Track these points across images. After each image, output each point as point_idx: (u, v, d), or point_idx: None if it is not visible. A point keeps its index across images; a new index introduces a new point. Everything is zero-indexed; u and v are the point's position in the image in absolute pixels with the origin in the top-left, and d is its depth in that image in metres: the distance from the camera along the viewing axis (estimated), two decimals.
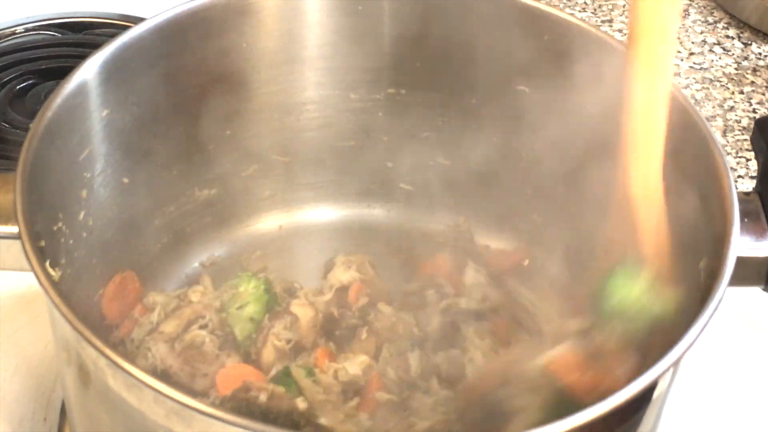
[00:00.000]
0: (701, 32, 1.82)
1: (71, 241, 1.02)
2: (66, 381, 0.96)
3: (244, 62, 1.18)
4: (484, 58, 1.17)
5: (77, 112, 1.02)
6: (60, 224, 1.00)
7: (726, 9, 1.87)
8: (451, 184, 1.28)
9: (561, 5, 1.84)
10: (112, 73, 1.05)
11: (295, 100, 1.24)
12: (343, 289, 1.15)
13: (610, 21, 1.83)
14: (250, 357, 1.09)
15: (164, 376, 1.04)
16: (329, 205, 1.31)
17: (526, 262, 1.21)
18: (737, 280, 0.89)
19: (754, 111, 1.65)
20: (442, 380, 1.07)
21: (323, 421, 0.99)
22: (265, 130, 1.24)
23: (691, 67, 1.74)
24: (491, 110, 1.21)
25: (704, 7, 1.88)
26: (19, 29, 1.67)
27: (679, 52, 1.77)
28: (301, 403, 0.99)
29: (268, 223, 1.29)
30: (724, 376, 1.26)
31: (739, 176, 1.53)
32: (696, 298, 0.93)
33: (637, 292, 0.93)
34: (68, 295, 1.00)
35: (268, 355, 1.08)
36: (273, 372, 1.06)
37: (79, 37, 1.66)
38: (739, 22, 1.85)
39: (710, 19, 1.86)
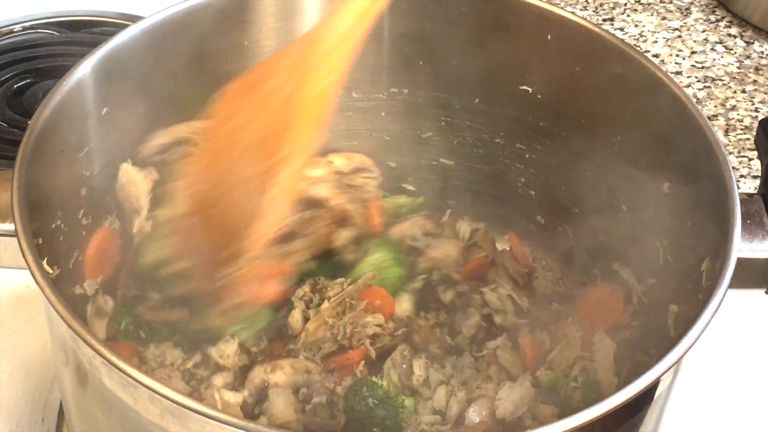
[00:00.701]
0: (703, 31, 1.82)
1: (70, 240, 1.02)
2: (63, 381, 0.96)
3: (245, 61, 1.18)
4: (486, 57, 1.17)
5: (75, 110, 1.01)
6: (59, 222, 1.00)
7: (728, 7, 1.86)
8: (454, 185, 1.28)
9: (562, 3, 1.84)
10: (110, 71, 1.04)
11: None
12: None
13: (612, 19, 1.83)
14: None
15: None
16: None
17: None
18: (739, 282, 0.88)
19: (756, 110, 1.65)
20: None
21: None
22: None
23: (692, 65, 1.74)
24: (494, 110, 1.21)
25: (706, 6, 1.88)
26: (17, 28, 1.67)
27: (681, 51, 1.77)
28: None
29: None
30: (725, 376, 1.26)
31: (742, 176, 1.52)
32: (697, 299, 0.93)
33: None
34: (66, 293, 1.00)
35: None
36: None
37: (77, 36, 1.66)
38: (741, 20, 1.84)
39: (712, 18, 1.85)
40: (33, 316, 1.24)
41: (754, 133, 1.10)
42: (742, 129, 1.61)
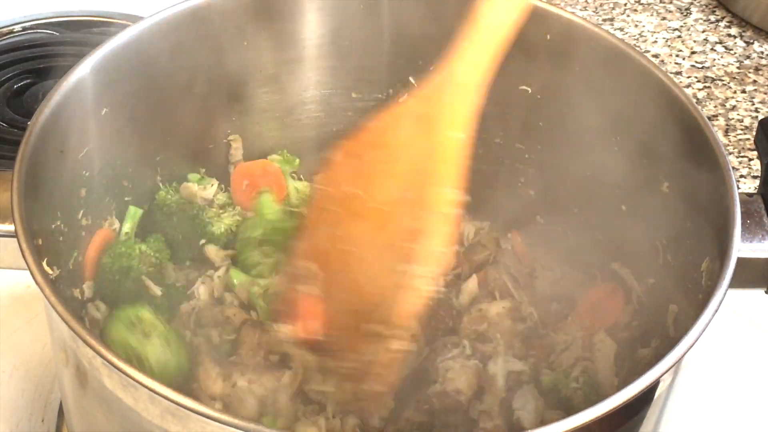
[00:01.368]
0: (703, 31, 1.82)
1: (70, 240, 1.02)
2: (63, 382, 0.96)
3: (244, 61, 1.18)
4: None
5: (75, 110, 1.01)
6: (59, 223, 1.00)
7: (728, 7, 1.86)
8: None
9: (562, 3, 1.83)
10: (110, 72, 1.04)
11: (297, 99, 1.24)
12: None
13: (612, 20, 1.83)
14: None
15: None
16: None
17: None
18: (739, 282, 0.88)
19: (756, 110, 1.65)
20: None
21: None
22: (266, 130, 1.24)
23: (692, 66, 1.74)
24: (494, 110, 1.20)
25: (706, 6, 1.88)
26: (17, 28, 1.67)
27: (681, 51, 1.77)
28: None
29: None
30: (725, 376, 1.26)
31: (741, 176, 1.52)
32: (697, 299, 0.93)
33: None
34: (65, 294, 1.00)
35: None
36: None
37: (77, 36, 1.66)
38: (741, 20, 1.84)
39: (712, 18, 1.85)
40: (33, 317, 1.24)
41: (754, 133, 1.10)
42: (742, 129, 1.61)
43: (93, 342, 0.78)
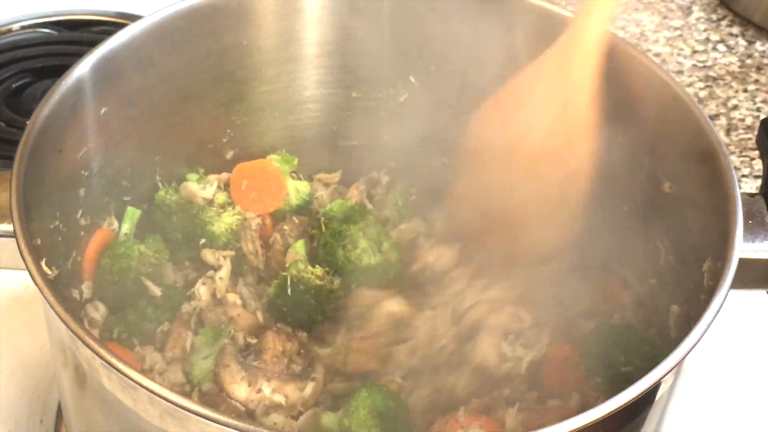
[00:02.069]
0: (705, 30, 1.82)
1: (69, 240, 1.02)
2: (62, 382, 0.96)
3: (244, 61, 1.18)
4: (486, 57, 1.16)
5: (74, 110, 1.01)
6: (57, 223, 0.99)
7: (730, 6, 1.86)
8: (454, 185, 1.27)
9: (563, 3, 1.83)
10: (109, 71, 1.04)
11: (297, 98, 1.24)
12: None
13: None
14: None
15: None
16: None
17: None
18: (741, 282, 0.88)
19: (758, 109, 1.65)
20: None
21: None
22: (266, 129, 1.24)
23: (694, 65, 1.73)
24: None
25: (708, 5, 1.88)
26: (16, 27, 1.67)
27: (683, 50, 1.77)
28: None
29: None
30: (727, 377, 1.25)
31: (743, 176, 1.52)
32: (699, 300, 0.93)
33: None
34: (64, 294, 1.00)
35: None
36: None
37: (75, 35, 1.66)
38: (743, 19, 1.84)
39: (714, 17, 1.85)
40: (32, 317, 1.24)
41: (756, 132, 1.10)
42: (743, 128, 1.61)
43: (92, 343, 0.77)
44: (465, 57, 1.18)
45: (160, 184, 1.17)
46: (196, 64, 1.14)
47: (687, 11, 1.86)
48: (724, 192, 0.93)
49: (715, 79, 1.71)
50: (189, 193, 1.17)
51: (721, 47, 1.78)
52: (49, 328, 0.96)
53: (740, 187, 0.94)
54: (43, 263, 0.86)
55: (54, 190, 0.99)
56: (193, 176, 1.19)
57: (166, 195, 1.15)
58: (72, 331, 0.79)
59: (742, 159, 1.55)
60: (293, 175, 1.24)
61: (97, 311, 1.06)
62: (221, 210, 1.18)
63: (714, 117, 1.62)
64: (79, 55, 1.03)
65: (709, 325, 0.82)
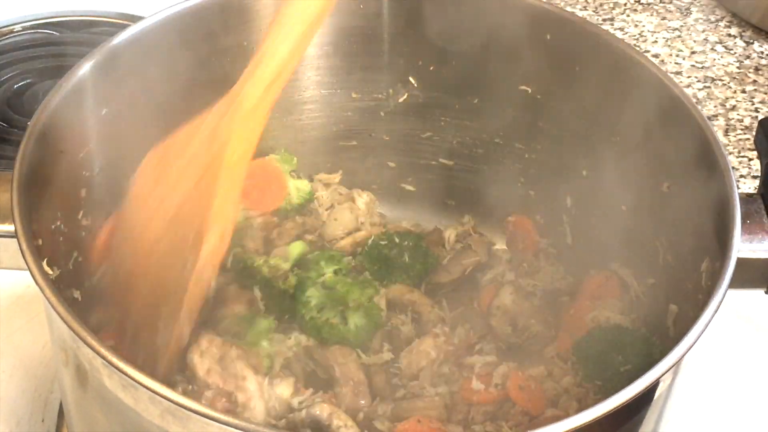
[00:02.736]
0: (703, 31, 1.82)
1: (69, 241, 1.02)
2: (63, 382, 0.96)
3: (244, 61, 1.17)
4: (485, 57, 1.17)
5: (75, 110, 1.01)
6: (59, 223, 1.00)
7: (728, 7, 1.86)
8: (454, 185, 1.28)
9: (562, 3, 1.83)
10: (110, 71, 1.04)
11: (297, 99, 1.24)
12: None
13: (612, 19, 1.83)
14: None
15: None
16: None
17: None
18: (739, 282, 0.88)
19: (756, 110, 1.65)
20: None
21: None
22: (266, 129, 1.22)
23: (692, 66, 1.74)
24: (494, 110, 1.21)
25: (706, 6, 1.88)
26: (17, 28, 1.67)
27: (681, 51, 1.77)
28: None
29: None
30: (725, 376, 1.26)
31: (741, 176, 1.52)
32: (697, 299, 0.93)
33: None
34: (65, 294, 1.00)
35: None
36: None
37: (76, 36, 1.66)
38: (741, 20, 1.84)
39: (712, 18, 1.85)
40: (33, 317, 1.24)
41: (754, 133, 1.10)
42: (742, 129, 1.61)
43: (93, 342, 0.78)
44: (465, 57, 1.19)
45: None
46: (198, 65, 1.14)
47: (685, 12, 1.86)
48: (722, 192, 0.94)
49: (713, 79, 1.71)
50: None
51: (719, 48, 1.78)
52: (50, 328, 0.96)
53: (738, 188, 0.94)
54: (44, 263, 0.86)
55: (55, 190, 0.99)
56: None
57: None
58: (73, 330, 0.79)
59: (740, 159, 1.55)
60: (293, 174, 1.24)
61: None
62: None
63: (712, 117, 1.62)
64: (80, 56, 1.03)
65: (707, 325, 0.83)
